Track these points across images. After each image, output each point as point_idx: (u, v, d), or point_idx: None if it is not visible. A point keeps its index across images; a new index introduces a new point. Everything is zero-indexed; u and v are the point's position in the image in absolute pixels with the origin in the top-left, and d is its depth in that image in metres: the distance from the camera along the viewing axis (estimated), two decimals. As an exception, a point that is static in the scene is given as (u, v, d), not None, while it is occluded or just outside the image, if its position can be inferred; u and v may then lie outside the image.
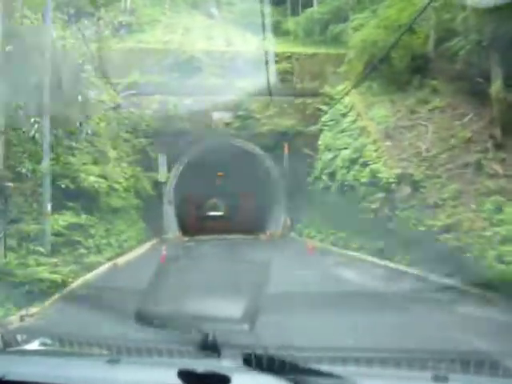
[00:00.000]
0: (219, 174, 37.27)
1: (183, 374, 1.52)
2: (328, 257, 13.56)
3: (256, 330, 2.13)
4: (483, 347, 4.91)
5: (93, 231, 13.05)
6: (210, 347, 2.09)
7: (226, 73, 25.35)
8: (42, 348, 2.58)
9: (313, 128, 23.57)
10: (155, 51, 26.28)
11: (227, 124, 24.15)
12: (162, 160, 22.44)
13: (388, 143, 14.84)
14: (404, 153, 13.81)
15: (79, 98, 15.54)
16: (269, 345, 2.31)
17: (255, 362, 1.95)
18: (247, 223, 36.35)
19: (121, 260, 13.49)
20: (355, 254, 13.10)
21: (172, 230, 23.49)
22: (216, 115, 24.06)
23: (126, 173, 19.14)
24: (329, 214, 17.65)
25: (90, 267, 11.19)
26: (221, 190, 47.84)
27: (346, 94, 19.85)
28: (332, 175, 18.67)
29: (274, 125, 23.96)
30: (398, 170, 12.88)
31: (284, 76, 25.57)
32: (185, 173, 23.84)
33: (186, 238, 24.30)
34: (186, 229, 28.03)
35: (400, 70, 20.78)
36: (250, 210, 36.08)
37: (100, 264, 11.94)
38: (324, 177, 19.80)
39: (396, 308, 7.05)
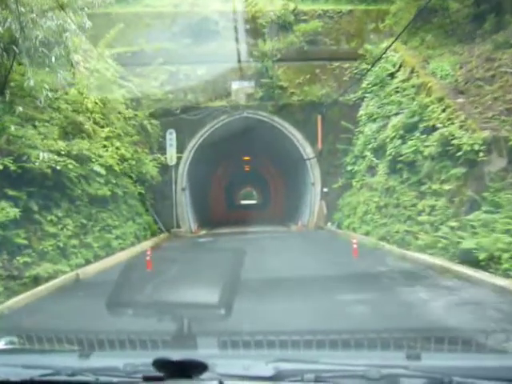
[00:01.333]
0: (245, 158, 33.62)
1: (159, 363, 1.41)
2: (386, 262, 9.45)
3: (232, 316, 1.97)
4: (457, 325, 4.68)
5: (54, 229, 9.46)
6: (185, 335, 2.06)
7: (246, 36, 21.50)
8: (9, 347, 2.45)
9: (351, 96, 19.54)
10: (164, 15, 22.52)
11: (249, 95, 20.29)
12: (171, 139, 18.76)
13: (461, 100, 10.73)
14: (489, 110, 9.70)
15: (53, 59, 12.02)
16: (245, 330, 2.73)
17: (231, 347, 2.17)
18: (277, 212, 32.52)
19: (94, 267, 9.90)
20: (424, 257, 9.03)
21: (187, 222, 19.86)
22: (235, 85, 20.23)
23: (122, 154, 15.55)
24: (376, 200, 13.67)
25: (33, 283, 7.61)
26: (249, 174, 44.25)
27: (390, 46, 15.65)
28: (379, 150, 14.65)
29: (304, 94, 19.97)
30: (485, 134, 8.79)
31: (315, 37, 21.43)
32: (200, 154, 20.13)
33: (204, 232, 20.66)
34: (209, 220, 24.46)
35: (461, 17, 16.63)
36: (280, 197, 32.16)
37: (55, 275, 8.35)
38: (368, 153, 15.79)
39: (376, 289, 6.80)
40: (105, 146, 14.55)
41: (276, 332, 2.47)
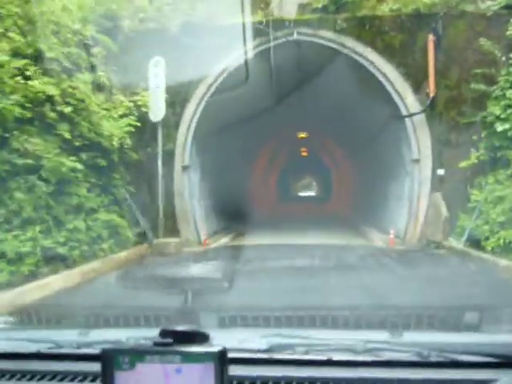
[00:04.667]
0: (301, 135, 24.83)
1: (164, 332, 1.39)
2: None
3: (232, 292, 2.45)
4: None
5: None
6: (187, 311, 2.34)
7: None
8: (10, 324, 2.48)
9: (490, 4, 10.62)
10: None
11: (303, 6, 11.63)
12: (157, 74, 10.31)
13: None
14: None
15: None
16: (242, 306, 2.78)
17: (229, 322, 2.33)
18: (345, 208, 23.39)
19: None
20: None
21: (191, 224, 11.53)
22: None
23: (32, 86, 7.47)
24: None
25: None
26: (306, 160, 35.26)
27: None
28: None
29: (402, 0, 11.11)
30: None
31: None
32: (221, 110, 11.63)
33: (224, 241, 12.31)
34: (244, 219, 15.98)
35: None
36: (356, 186, 22.81)
37: None
38: None
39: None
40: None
41: (271, 308, 2.84)
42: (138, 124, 10.42)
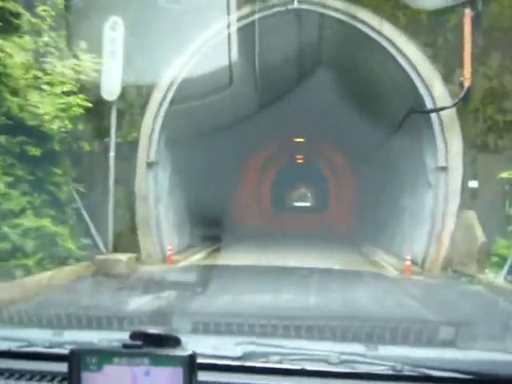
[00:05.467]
0: (297, 139, 22.64)
1: (135, 335, 1.35)
2: None
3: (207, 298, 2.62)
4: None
5: None
6: (160, 315, 2.36)
7: None
8: None
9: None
10: None
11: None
12: (113, 39, 7.98)
13: None
14: None
15: None
16: (216, 312, 2.80)
17: (203, 328, 2.34)
18: (352, 224, 20.52)
19: None
20: None
21: (154, 235, 9.19)
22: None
23: None
24: None
25: None
26: (302, 168, 32.88)
27: None
28: None
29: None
30: None
31: None
32: (192, 92, 9.29)
33: (198, 257, 10.01)
34: (229, 230, 13.74)
35: None
36: (359, 198, 20.27)
37: None
38: None
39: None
40: None
41: (245, 315, 2.70)
42: (90, 105, 8.10)
